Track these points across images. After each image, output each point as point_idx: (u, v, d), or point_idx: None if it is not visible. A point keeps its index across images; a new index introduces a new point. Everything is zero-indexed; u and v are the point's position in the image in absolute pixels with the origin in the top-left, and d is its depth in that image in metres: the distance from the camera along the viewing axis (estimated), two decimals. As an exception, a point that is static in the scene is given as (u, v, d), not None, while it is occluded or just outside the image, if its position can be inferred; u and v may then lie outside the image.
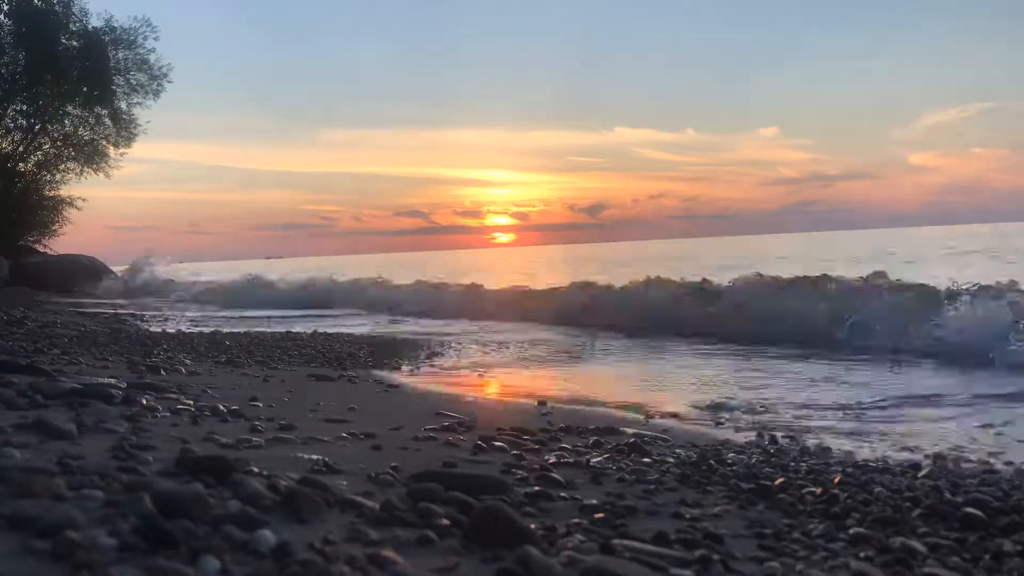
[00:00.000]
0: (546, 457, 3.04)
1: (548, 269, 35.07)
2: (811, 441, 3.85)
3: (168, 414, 3.21)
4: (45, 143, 28.99)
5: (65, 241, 31.68)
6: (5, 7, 25.93)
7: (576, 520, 2.10)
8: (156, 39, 27.76)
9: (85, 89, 27.09)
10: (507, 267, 42.27)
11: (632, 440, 3.46)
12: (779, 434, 4.00)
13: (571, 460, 2.99)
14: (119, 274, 27.74)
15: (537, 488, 2.40)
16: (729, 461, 3.16)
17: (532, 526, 1.94)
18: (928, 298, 8.61)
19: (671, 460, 3.13)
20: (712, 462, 3.08)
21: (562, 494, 2.40)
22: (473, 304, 14.09)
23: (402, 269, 31.24)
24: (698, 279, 12.03)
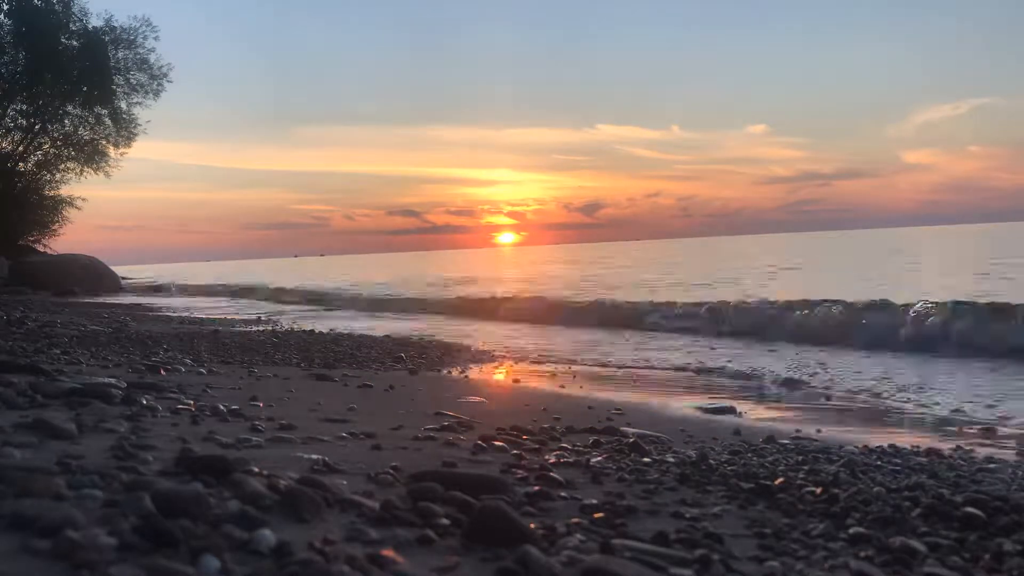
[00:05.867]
0: (546, 457, 3.04)
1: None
2: None
3: (168, 414, 3.21)
4: (45, 143, 29.05)
5: (58, 240, 31.76)
6: (5, 7, 25.96)
7: (576, 520, 2.10)
8: (156, 39, 27.83)
9: (85, 89, 27.12)
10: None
11: (632, 440, 3.46)
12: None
13: (571, 460, 2.99)
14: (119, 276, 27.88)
15: (537, 488, 2.40)
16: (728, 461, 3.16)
17: (532, 526, 1.94)
18: None
19: (671, 460, 3.13)
20: (712, 462, 3.08)
21: (562, 494, 2.39)
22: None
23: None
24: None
